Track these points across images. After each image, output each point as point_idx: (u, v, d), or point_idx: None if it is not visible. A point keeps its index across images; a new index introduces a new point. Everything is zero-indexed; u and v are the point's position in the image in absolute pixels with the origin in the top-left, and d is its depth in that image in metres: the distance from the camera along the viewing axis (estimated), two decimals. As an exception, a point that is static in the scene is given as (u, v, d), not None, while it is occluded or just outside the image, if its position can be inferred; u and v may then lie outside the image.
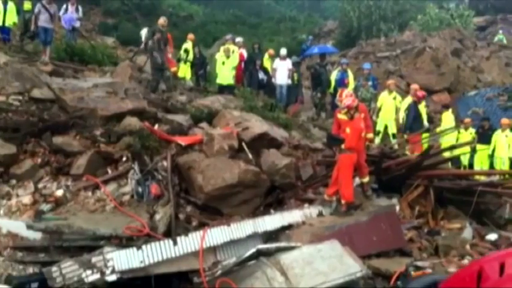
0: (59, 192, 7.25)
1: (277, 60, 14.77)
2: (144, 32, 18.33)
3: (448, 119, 13.55)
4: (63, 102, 8.59)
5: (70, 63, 12.73)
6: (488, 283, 0.56)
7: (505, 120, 12.44)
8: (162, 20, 12.63)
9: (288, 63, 14.61)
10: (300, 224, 7.16)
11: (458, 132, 12.89)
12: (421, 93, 11.90)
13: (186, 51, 14.47)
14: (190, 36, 14.95)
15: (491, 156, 12.38)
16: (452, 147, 9.97)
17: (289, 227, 7.11)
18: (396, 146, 11.16)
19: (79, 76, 11.32)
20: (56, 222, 6.29)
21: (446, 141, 11.95)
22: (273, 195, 8.45)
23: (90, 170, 7.68)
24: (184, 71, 14.58)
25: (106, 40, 21.07)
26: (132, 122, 8.51)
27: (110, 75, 11.67)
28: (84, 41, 15.82)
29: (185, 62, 14.48)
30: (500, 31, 24.88)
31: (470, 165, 12.80)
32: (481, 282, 0.58)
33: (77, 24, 15.20)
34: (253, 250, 6.15)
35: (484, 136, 12.39)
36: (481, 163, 12.61)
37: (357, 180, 8.30)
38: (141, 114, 8.94)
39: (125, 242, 6.15)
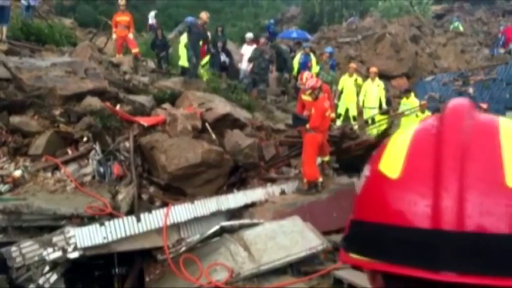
0: (17, 173, 7.07)
1: (244, 46, 14.80)
2: (151, 15, 18.58)
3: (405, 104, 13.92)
4: (20, 81, 8.32)
5: (26, 42, 12.29)
6: None
7: (459, 104, 12.93)
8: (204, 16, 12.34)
9: None
10: (263, 202, 7.27)
11: (416, 115, 13.29)
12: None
13: None
14: None
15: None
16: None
17: (252, 205, 7.21)
18: (356, 128, 11.42)
19: (36, 56, 10.96)
20: (15, 203, 6.14)
21: (405, 123, 12.31)
22: (236, 175, 8.52)
23: (49, 150, 7.52)
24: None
25: (64, 21, 20.38)
26: (92, 102, 8.35)
27: (68, 55, 11.35)
28: (41, 21, 15.29)
29: None
30: (455, 18, 25.61)
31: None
32: None
33: (36, 2, 14.70)
34: (216, 227, 6.24)
35: (440, 119, 12.85)
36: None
37: (319, 159, 8.47)
38: (102, 95, 8.78)
39: (86, 221, 6.09)
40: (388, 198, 0.65)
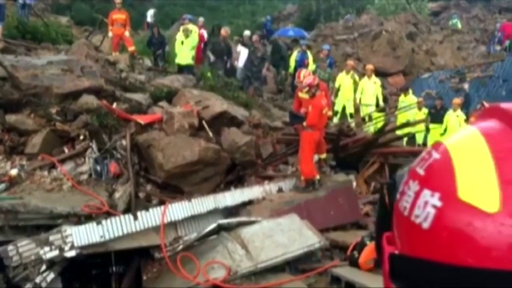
0: (13, 172, 7.05)
1: (240, 44, 14.81)
2: (150, 14, 20.03)
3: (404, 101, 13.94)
4: (16, 80, 8.28)
5: (22, 41, 12.24)
6: None
7: (456, 100, 12.91)
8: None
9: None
10: (260, 200, 7.27)
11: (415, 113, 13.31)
12: None
13: None
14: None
15: (443, 135, 12.85)
16: (406, 125, 10.31)
17: (250, 202, 7.21)
18: (353, 125, 11.42)
19: (32, 54, 10.93)
20: (11, 202, 6.13)
21: (402, 120, 12.32)
22: (234, 173, 8.51)
23: (46, 149, 7.51)
24: None
25: (60, 19, 20.31)
26: (89, 100, 8.32)
27: (64, 54, 11.30)
28: (37, 19, 15.23)
29: None
30: (454, 15, 25.66)
31: (424, 144, 13.26)
32: None
33: (32, 0, 14.66)
34: (214, 225, 6.24)
35: (437, 116, 12.83)
36: (434, 141, 13.05)
37: (316, 157, 8.47)
38: (99, 93, 8.74)
39: (83, 220, 6.08)
40: (489, 238, 0.52)
